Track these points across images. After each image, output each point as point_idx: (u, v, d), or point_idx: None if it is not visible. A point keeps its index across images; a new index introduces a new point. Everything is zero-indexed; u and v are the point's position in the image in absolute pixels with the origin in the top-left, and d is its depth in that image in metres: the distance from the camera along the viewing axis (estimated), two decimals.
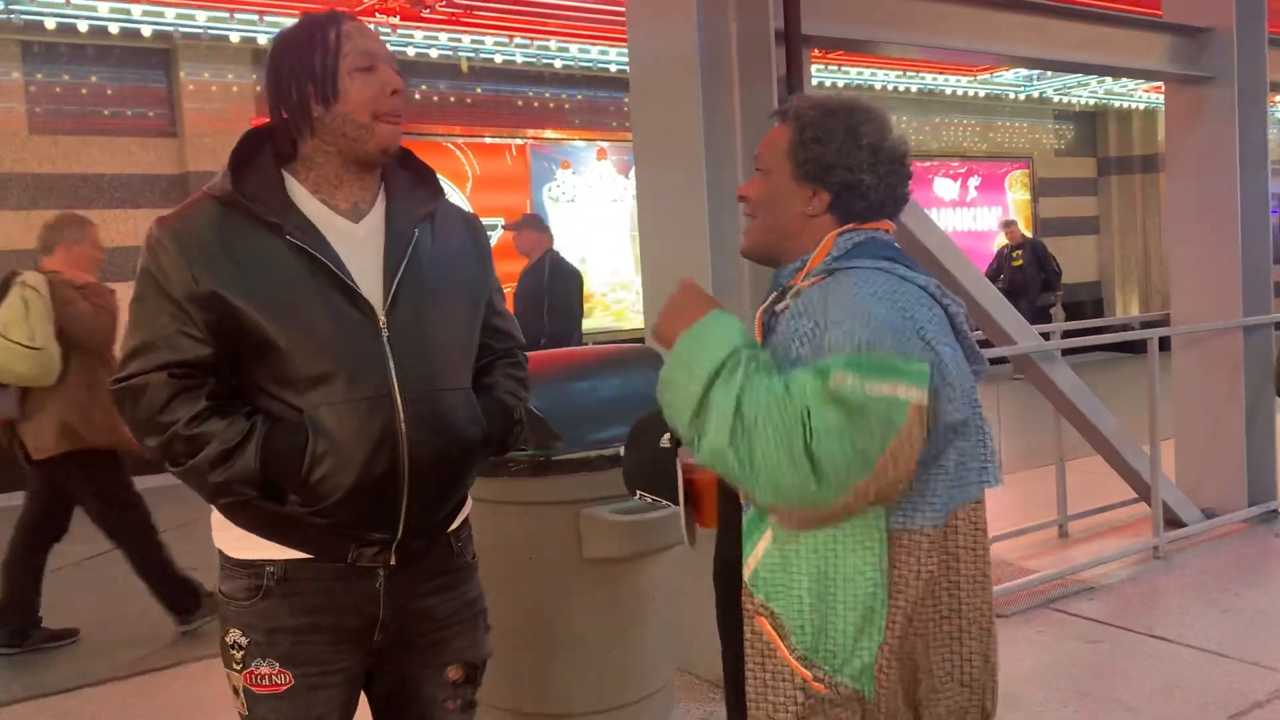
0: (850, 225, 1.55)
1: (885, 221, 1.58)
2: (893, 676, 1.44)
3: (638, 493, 1.71)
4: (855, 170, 1.53)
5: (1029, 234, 13.18)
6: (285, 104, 1.69)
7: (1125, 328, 8.19)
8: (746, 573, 1.51)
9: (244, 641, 1.69)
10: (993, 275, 11.46)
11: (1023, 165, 14.31)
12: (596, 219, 11.01)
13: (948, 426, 1.44)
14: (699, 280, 3.44)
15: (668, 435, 1.62)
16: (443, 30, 9.00)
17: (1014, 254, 12.25)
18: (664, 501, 1.69)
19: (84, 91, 8.31)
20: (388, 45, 1.74)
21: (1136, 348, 5.82)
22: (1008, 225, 12.76)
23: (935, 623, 1.48)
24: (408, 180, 1.81)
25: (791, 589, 1.45)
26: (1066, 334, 5.68)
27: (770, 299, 1.57)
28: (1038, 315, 11.13)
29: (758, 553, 1.49)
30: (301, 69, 1.66)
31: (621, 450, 2.69)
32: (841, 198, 1.54)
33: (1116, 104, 14.23)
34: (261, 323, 1.59)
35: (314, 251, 1.63)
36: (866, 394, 1.33)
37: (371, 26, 1.77)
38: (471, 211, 1.96)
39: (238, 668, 1.71)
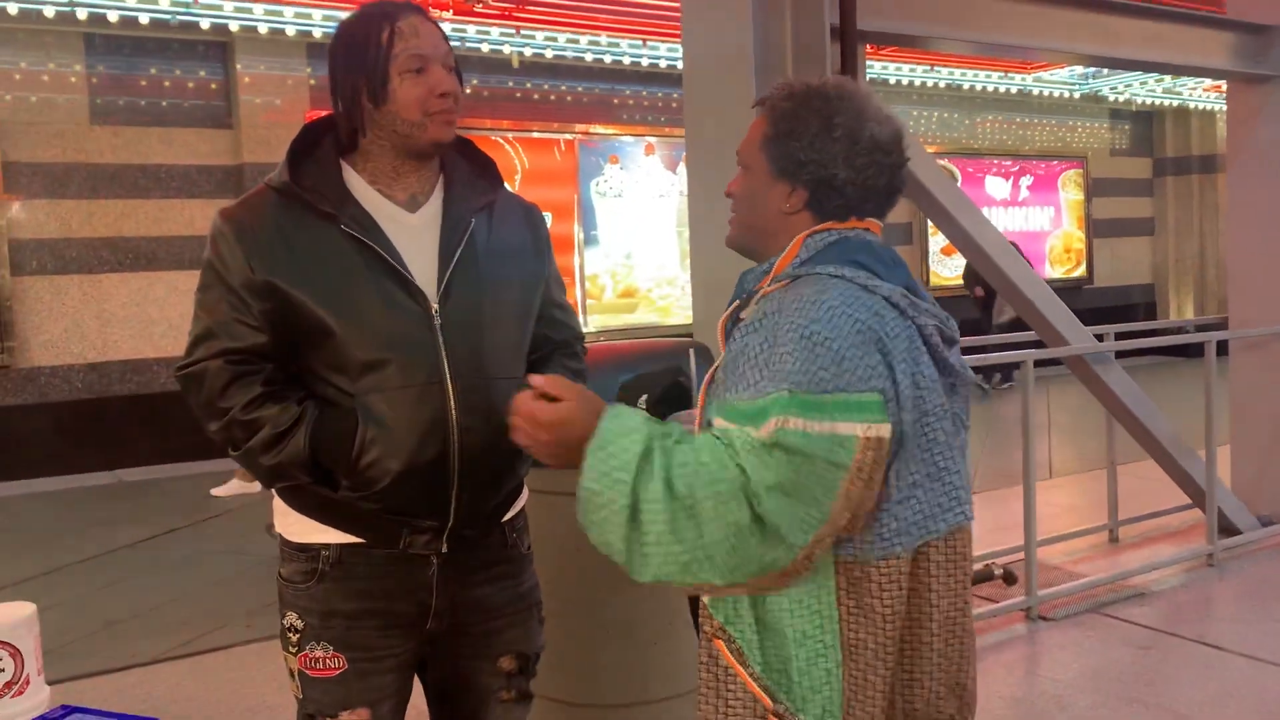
0: (824, 225, 1.44)
1: (869, 220, 1.47)
2: (862, 715, 1.34)
3: None
4: (829, 165, 1.41)
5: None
6: (340, 98, 1.71)
7: (1179, 331, 8.04)
8: (706, 595, 1.41)
9: (300, 625, 1.72)
10: (976, 280, 11.09)
11: (1077, 165, 14.09)
12: (643, 214, 11.01)
13: (904, 450, 1.32)
14: None
15: (644, 398, 1.58)
16: (494, 25, 9.06)
17: None
18: None
19: (143, 83, 8.47)
20: (448, 40, 1.74)
21: (1191, 351, 5.73)
22: None
23: (907, 658, 1.38)
24: (467, 171, 1.82)
25: (743, 618, 1.36)
26: (1120, 335, 5.60)
27: (734, 305, 1.47)
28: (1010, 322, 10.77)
29: None
30: (354, 66, 1.67)
31: None
32: (817, 194, 1.43)
33: (1174, 103, 13.97)
34: (316, 311, 1.62)
35: (368, 241, 1.65)
36: (807, 434, 1.23)
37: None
38: (532, 203, 1.96)
39: (293, 650, 1.73)
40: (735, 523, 1.24)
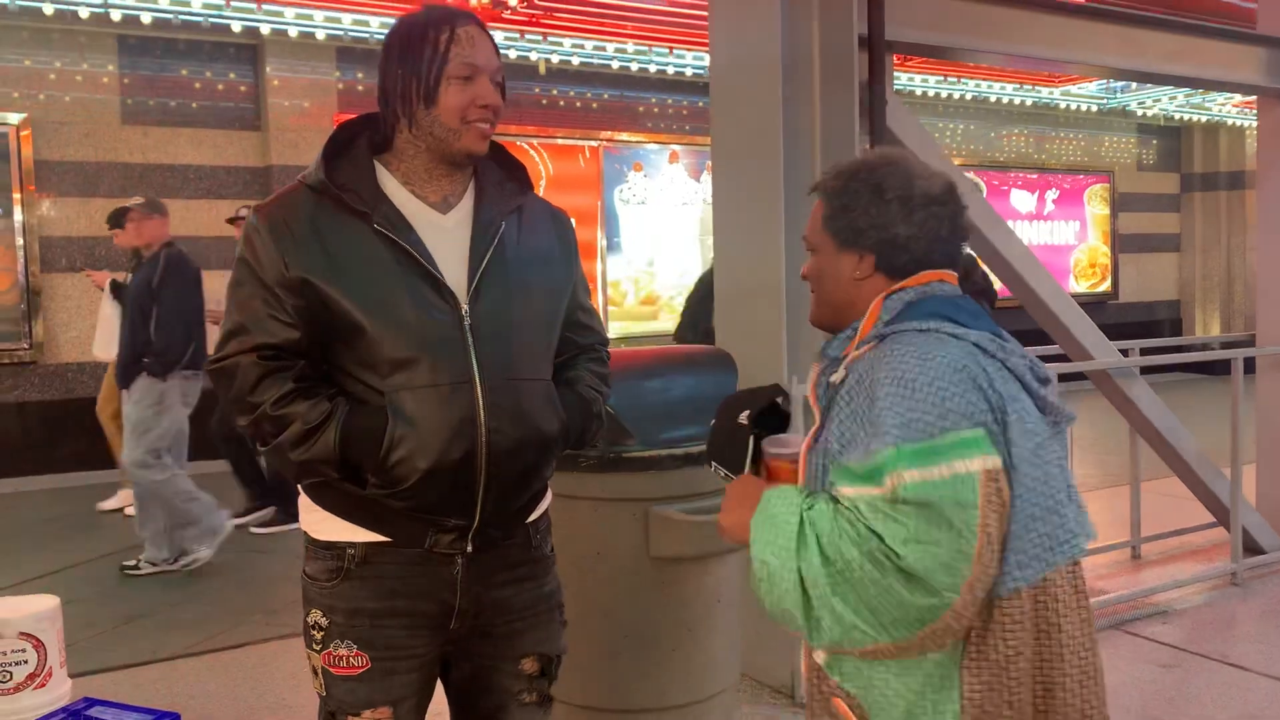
0: (898, 285, 1.51)
1: (942, 271, 1.53)
2: None
3: (711, 464, 1.69)
4: (889, 225, 1.50)
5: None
6: (388, 95, 1.73)
7: (1205, 347, 7.97)
8: (821, 655, 1.47)
9: (324, 623, 1.73)
10: None
11: (1103, 179, 14.00)
12: (666, 222, 11.02)
13: (1017, 484, 1.36)
14: (773, 286, 3.44)
15: (747, 413, 1.61)
16: (521, 31, 9.10)
17: None
18: (734, 477, 1.67)
19: (174, 85, 8.56)
20: (500, 56, 1.76)
21: (1217, 369, 5.68)
22: None
23: (1040, 699, 1.40)
24: (499, 174, 1.84)
25: (862, 674, 1.42)
26: (1145, 351, 5.55)
27: (823, 369, 1.54)
28: None
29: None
30: (409, 62, 1.70)
31: (692, 450, 2.70)
32: (884, 255, 1.51)
33: (1203, 118, 13.86)
34: (348, 308, 1.64)
35: (400, 240, 1.67)
36: (925, 482, 1.29)
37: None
38: (559, 209, 1.97)
39: (317, 648, 1.75)
40: (883, 580, 1.29)
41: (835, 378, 1.48)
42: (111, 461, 8.26)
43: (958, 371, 1.35)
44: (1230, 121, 13.97)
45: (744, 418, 1.61)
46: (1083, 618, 1.44)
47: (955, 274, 1.55)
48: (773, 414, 1.64)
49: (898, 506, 1.29)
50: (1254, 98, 5.69)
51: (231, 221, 6.82)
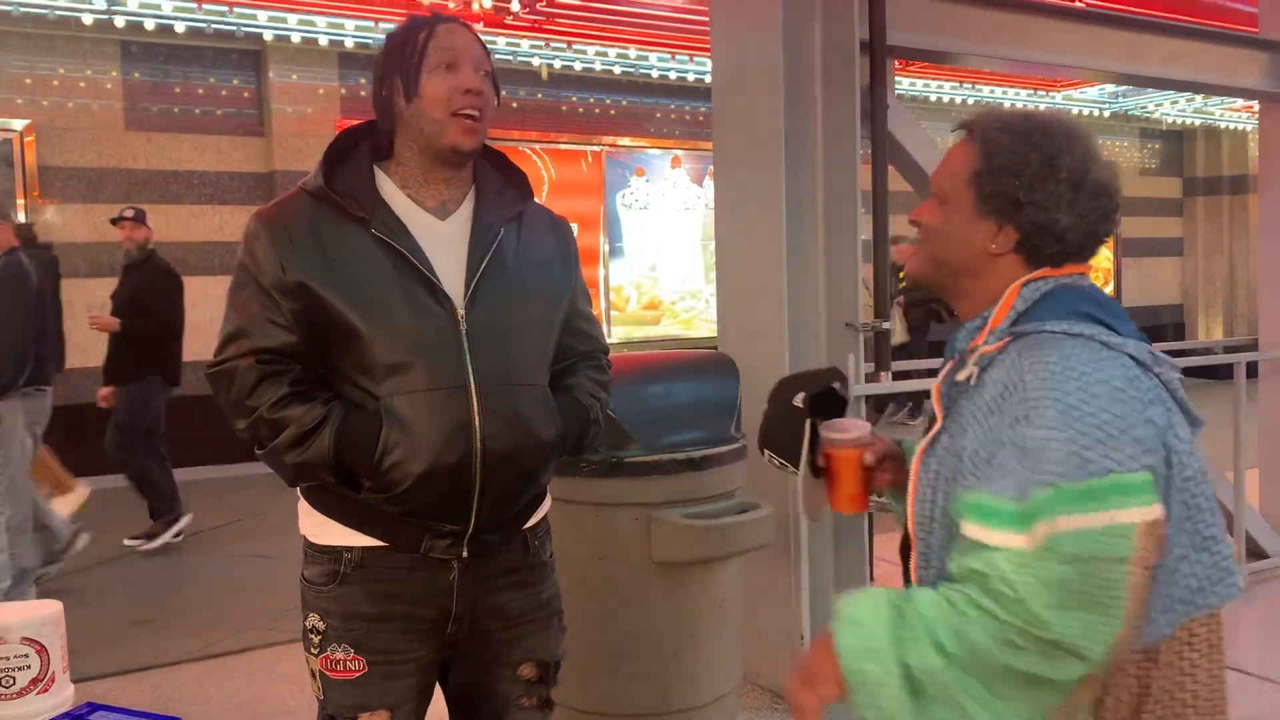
0: (1039, 273, 1.33)
1: (1081, 264, 1.35)
2: None
3: (764, 452, 1.57)
4: (1051, 208, 1.29)
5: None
6: (378, 99, 1.76)
7: (1208, 352, 7.97)
8: None
9: (321, 626, 1.74)
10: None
11: None
12: (668, 226, 11.03)
13: (1170, 522, 1.21)
14: (775, 290, 3.44)
15: (802, 395, 1.49)
16: (524, 37, 9.12)
17: (899, 271, 10.35)
18: (789, 466, 1.55)
19: (177, 91, 8.59)
20: (489, 53, 1.79)
21: (1219, 373, 5.67)
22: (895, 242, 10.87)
23: None
24: (498, 181, 1.85)
25: None
26: None
27: (949, 367, 1.36)
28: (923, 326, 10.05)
29: None
30: (393, 63, 1.73)
31: (694, 454, 2.71)
32: (1032, 238, 1.31)
33: (1205, 123, 13.87)
34: (344, 312, 1.65)
35: (397, 245, 1.68)
36: (1084, 531, 1.12)
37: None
38: (560, 216, 1.98)
39: (315, 652, 1.75)
40: (1023, 661, 1.14)
41: (962, 375, 1.30)
42: (118, 466, 8.27)
43: (1122, 402, 1.18)
44: (1232, 126, 13.97)
45: (799, 400, 1.50)
46: (1219, 666, 1.29)
47: (1089, 268, 1.38)
48: (829, 400, 1.52)
49: (1047, 561, 1.13)
50: (1255, 102, 5.69)
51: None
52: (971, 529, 1.20)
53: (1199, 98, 12.14)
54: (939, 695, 1.17)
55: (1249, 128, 13.57)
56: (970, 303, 1.39)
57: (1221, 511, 4.51)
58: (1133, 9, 6.91)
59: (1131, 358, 1.24)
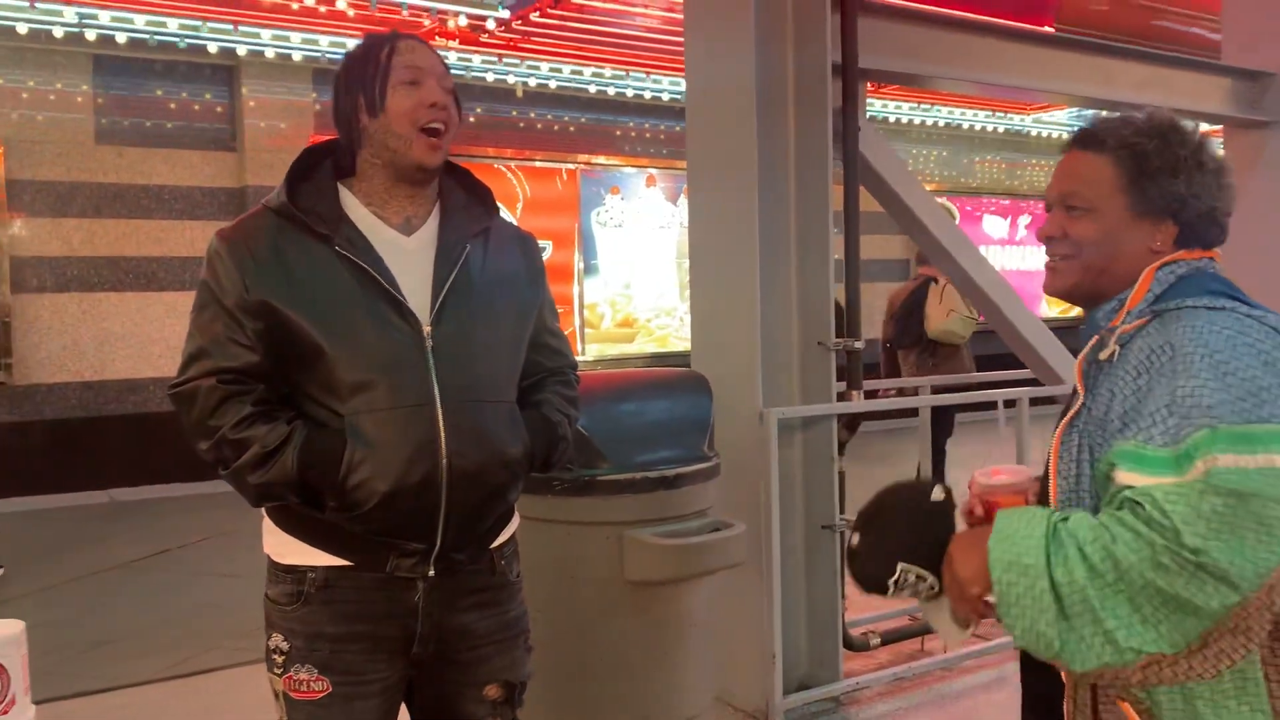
0: (1173, 256, 1.39)
1: (1212, 250, 1.43)
2: None
3: (900, 570, 1.40)
4: (1207, 197, 1.39)
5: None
6: (340, 116, 1.76)
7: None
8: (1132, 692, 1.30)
9: (285, 646, 1.71)
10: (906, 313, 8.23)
11: None
12: (643, 245, 11.07)
13: None
14: (749, 309, 3.46)
15: (939, 487, 1.42)
16: (499, 55, 9.14)
17: None
18: (936, 583, 1.40)
19: (149, 105, 8.54)
20: (447, 68, 1.80)
21: None
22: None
23: None
24: (463, 198, 1.85)
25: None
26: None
27: (1091, 345, 1.40)
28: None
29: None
30: (355, 81, 1.74)
31: (667, 473, 2.69)
32: (1196, 229, 1.40)
33: None
34: (309, 330, 1.63)
35: (361, 262, 1.67)
36: (1242, 469, 1.15)
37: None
38: (527, 232, 1.98)
39: (278, 672, 1.73)
40: (1172, 583, 1.16)
41: (1104, 354, 1.35)
42: (86, 483, 8.19)
43: (1270, 363, 1.23)
44: None
45: (938, 492, 1.41)
46: None
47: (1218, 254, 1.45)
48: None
49: (1205, 496, 1.15)
50: (1220, 127, 5.79)
51: None
52: (1125, 475, 1.23)
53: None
54: (1083, 611, 1.19)
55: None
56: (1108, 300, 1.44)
57: None
58: (1101, 35, 7.01)
59: (1274, 329, 1.29)
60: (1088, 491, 1.31)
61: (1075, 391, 1.37)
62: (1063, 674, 1.39)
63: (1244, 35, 5.37)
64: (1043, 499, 1.39)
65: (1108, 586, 1.19)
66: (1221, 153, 1.42)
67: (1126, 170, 1.40)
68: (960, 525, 1.42)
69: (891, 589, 1.40)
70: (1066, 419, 1.37)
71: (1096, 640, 1.20)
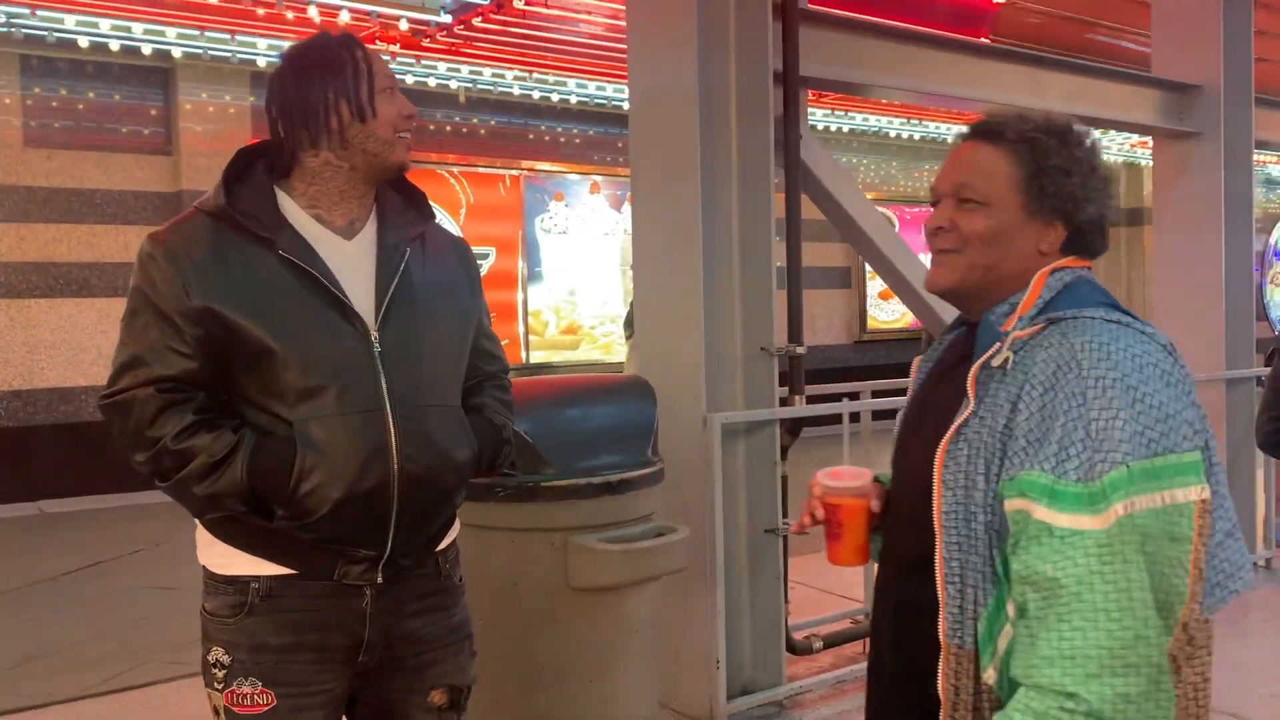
0: (1063, 262, 1.35)
1: (1090, 259, 1.39)
2: None
3: None
4: (1098, 203, 1.34)
5: None
6: (307, 116, 1.69)
7: None
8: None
9: (226, 660, 1.68)
10: None
11: None
12: (587, 251, 11.06)
13: (1218, 505, 1.24)
14: (693, 315, 3.47)
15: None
16: (441, 60, 9.08)
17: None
18: None
19: (81, 107, 8.34)
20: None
21: None
22: None
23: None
24: (399, 202, 1.83)
25: None
26: None
27: (987, 354, 1.32)
28: None
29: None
30: (334, 84, 1.69)
31: (611, 478, 2.69)
32: (1085, 234, 1.35)
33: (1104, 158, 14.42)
34: (256, 335, 1.60)
35: (305, 266, 1.64)
36: (1152, 510, 1.15)
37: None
38: (460, 236, 1.98)
39: (219, 687, 1.69)
40: (1148, 660, 1.15)
41: (997, 361, 1.28)
42: (14, 494, 7.96)
43: (1173, 384, 1.21)
44: (1129, 160, 14.56)
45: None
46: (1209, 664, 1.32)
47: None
48: None
49: (1126, 541, 1.14)
50: (1149, 138, 5.94)
51: None
52: (1040, 511, 1.19)
53: (1096, 132, 12.62)
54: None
55: (1144, 162, 14.15)
56: (992, 304, 1.39)
57: None
58: (1036, 47, 7.17)
59: (1164, 347, 1.26)
60: (979, 506, 1.26)
61: (966, 399, 1.30)
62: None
63: (1173, 48, 5.52)
64: (918, 506, 1.33)
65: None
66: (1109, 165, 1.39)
67: (1024, 165, 1.35)
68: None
69: None
70: (954, 428, 1.29)
71: None
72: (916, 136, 12.78)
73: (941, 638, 1.28)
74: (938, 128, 12.68)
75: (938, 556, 1.29)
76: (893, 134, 12.59)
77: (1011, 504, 1.22)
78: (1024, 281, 1.34)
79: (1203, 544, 1.18)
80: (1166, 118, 5.40)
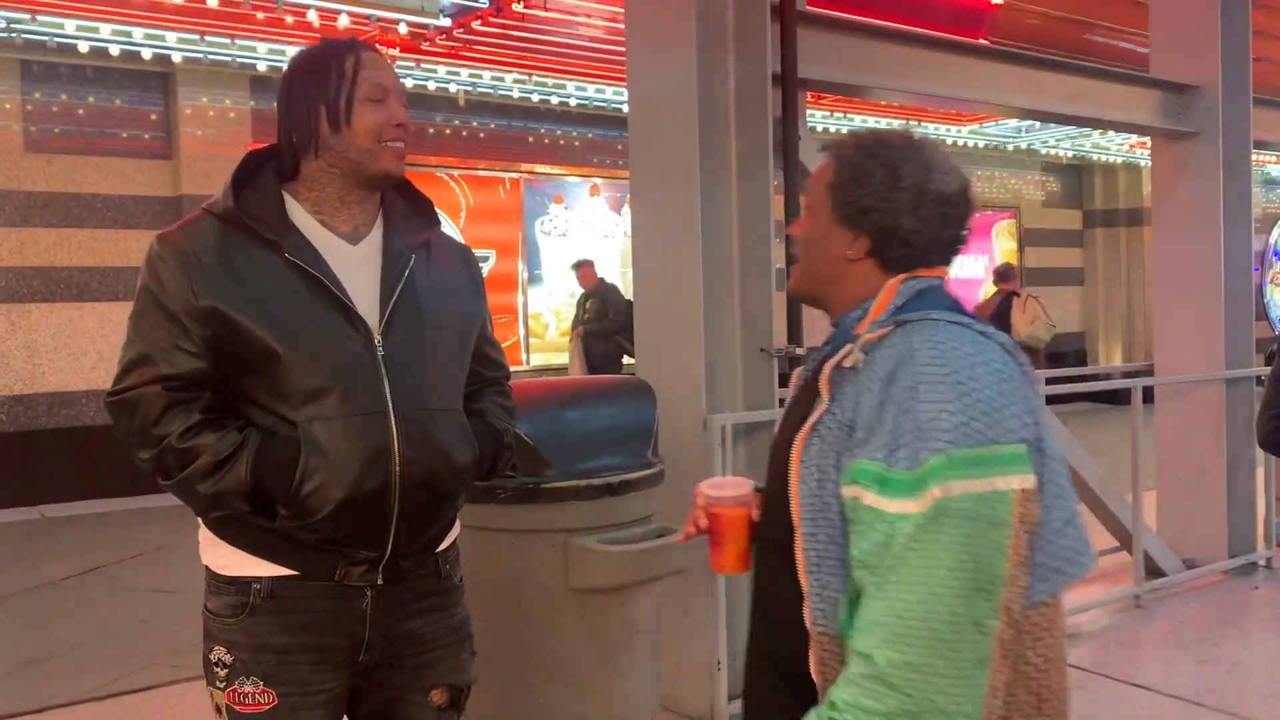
0: (916, 272, 1.42)
1: (940, 269, 1.46)
2: None
3: None
4: (895, 214, 1.40)
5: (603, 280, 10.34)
6: (296, 123, 1.72)
7: (1107, 377, 8.28)
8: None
9: (228, 659, 1.69)
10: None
11: (1010, 215, 14.47)
12: (587, 254, 11.07)
13: (1044, 497, 1.29)
14: (692, 316, 3.48)
15: None
16: (441, 63, 9.09)
17: (586, 303, 10.05)
18: None
19: (81, 112, 8.35)
20: (396, 75, 1.80)
21: (1119, 398, 5.88)
22: (581, 265, 10.17)
23: (1047, 702, 1.33)
24: (405, 208, 1.85)
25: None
26: (1050, 381, 5.72)
27: (840, 355, 1.39)
28: (607, 362, 9.80)
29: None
30: (316, 92, 1.70)
31: (611, 480, 2.69)
32: (880, 243, 1.42)
33: (1101, 158, 14.44)
34: (262, 336, 1.61)
35: (311, 270, 1.65)
36: (968, 495, 1.21)
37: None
38: (464, 242, 1.99)
39: (221, 686, 1.70)
40: (938, 634, 1.19)
41: (849, 361, 1.35)
42: (16, 499, 7.96)
43: (1002, 380, 1.28)
44: (1128, 161, 14.58)
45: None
46: (1061, 632, 1.38)
47: (948, 274, 1.48)
48: None
49: (941, 524, 1.20)
50: (1148, 138, 5.95)
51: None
52: (870, 497, 1.26)
53: (1097, 133, 12.64)
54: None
55: (1143, 162, 14.17)
56: (837, 308, 1.49)
57: (1121, 531, 4.63)
58: (1035, 48, 7.18)
59: (1001, 346, 1.34)
60: (833, 496, 1.32)
61: (819, 397, 1.37)
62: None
63: (1171, 49, 5.53)
64: (782, 502, 1.39)
65: (900, 714, 1.19)
66: (946, 184, 1.43)
67: (836, 174, 1.45)
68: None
69: None
70: (809, 425, 1.36)
71: None
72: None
73: (808, 625, 1.33)
74: (934, 128, 12.68)
75: (798, 548, 1.35)
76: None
77: (848, 491, 1.28)
78: (866, 287, 1.43)
79: (1024, 531, 1.24)
80: (1165, 118, 5.41)
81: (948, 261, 1.47)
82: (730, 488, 1.55)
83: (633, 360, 8.82)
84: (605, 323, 9.69)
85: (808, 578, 1.33)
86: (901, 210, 1.41)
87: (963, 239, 1.47)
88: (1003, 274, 9.68)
